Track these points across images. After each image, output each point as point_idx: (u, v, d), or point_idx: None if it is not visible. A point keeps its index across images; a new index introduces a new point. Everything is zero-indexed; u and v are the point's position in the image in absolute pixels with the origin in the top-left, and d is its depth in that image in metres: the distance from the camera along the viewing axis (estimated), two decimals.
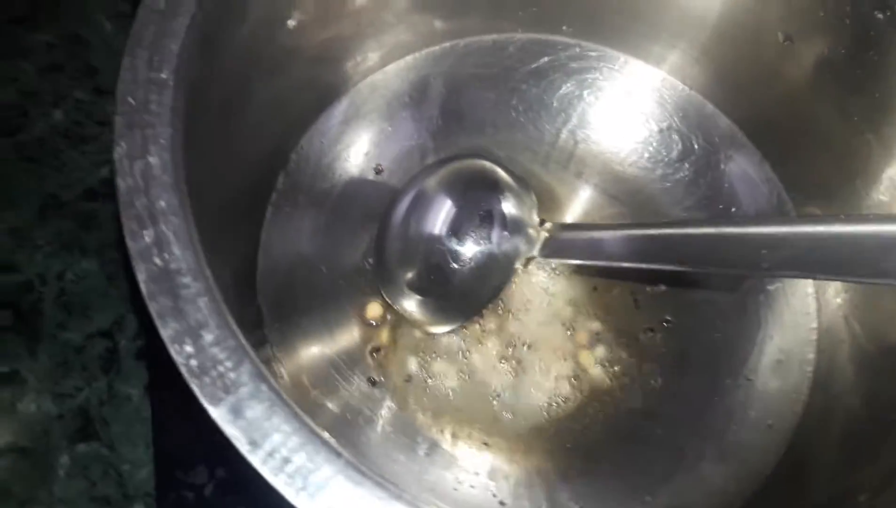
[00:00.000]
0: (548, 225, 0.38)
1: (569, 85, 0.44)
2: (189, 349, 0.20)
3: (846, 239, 0.27)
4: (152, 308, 0.20)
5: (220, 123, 0.30)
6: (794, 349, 0.40)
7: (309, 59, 0.38)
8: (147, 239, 0.21)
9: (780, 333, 0.41)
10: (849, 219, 0.28)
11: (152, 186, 0.22)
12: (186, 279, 0.21)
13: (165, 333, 0.20)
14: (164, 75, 0.23)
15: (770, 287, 0.41)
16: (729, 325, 0.41)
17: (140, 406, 0.44)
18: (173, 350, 0.20)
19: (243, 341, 0.20)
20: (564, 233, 0.37)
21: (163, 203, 0.21)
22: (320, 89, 0.40)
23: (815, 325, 0.40)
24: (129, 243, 0.21)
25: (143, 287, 0.20)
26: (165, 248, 0.21)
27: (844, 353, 0.37)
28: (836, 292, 0.39)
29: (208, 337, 0.20)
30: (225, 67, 0.29)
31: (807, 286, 0.41)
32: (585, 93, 0.44)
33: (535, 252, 0.37)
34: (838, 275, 0.30)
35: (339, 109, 0.41)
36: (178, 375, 0.20)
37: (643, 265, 0.34)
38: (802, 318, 0.41)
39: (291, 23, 0.34)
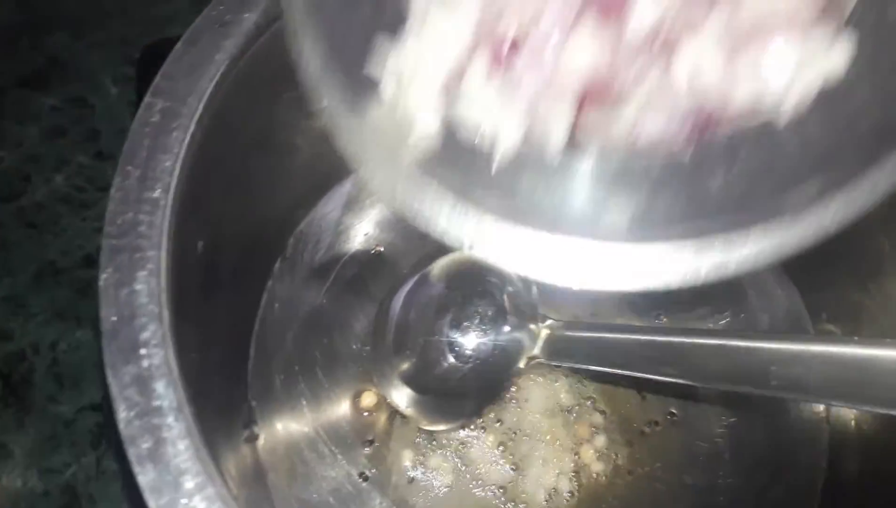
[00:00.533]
0: (549, 322, 0.37)
1: None
2: (166, 500, 0.19)
3: (862, 363, 0.26)
4: (131, 454, 0.19)
5: (219, 209, 0.30)
6: (803, 450, 0.39)
7: (316, 139, 0.37)
8: (128, 377, 0.20)
9: (788, 430, 0.40)
10: (866, 342, 0.27)
11: (137, 316, 0.21)
12: (169, 419, 0.20)
13: (144, 480, 0.19)
14: (156, 194, 0.23)
15: None
16: (734, 420, 0.40)
17: (129, 484, 0.43)
18: (151, 501, 0.19)
19: (223, 487, 0.19)
20: (567, 331, 0.36)
21: (147, 334, 0.21)
22: (324, 171, 0.40)
23: (825, 426, 0.39)
24: (111, 379, 0.20)
25: (121, 427, 0.20)
26: (148, 384, 0.20)
27: (855, 466, 0.36)
28: None
29: (188, 484, 0.19)
30: (226, 158, 0.29)
31: None
32: None
33: (537, 351, 0.36)
34: (851, 402, 0.29)
35: (341, 191, 0.40)
36: None
37: (648, 376, 0.33)
38: (811, 415, 0.40)
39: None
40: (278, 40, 0.27)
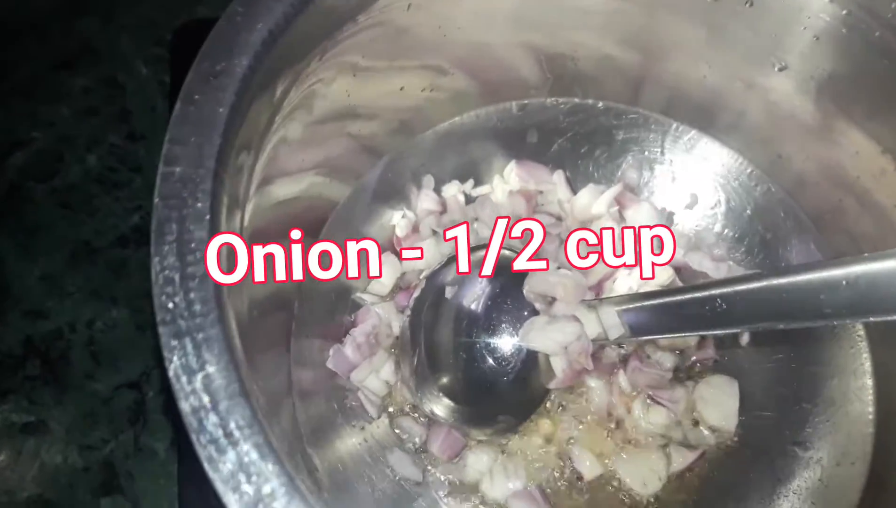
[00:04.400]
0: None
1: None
2: None
3: None
4: None
5: None
6: None
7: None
8: (230, 465, 0.20)
9: None
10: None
11: (220, 401, 0.21)
12: (282, 502, 0.20)
13: None
14: (198, 268, 0.22)
15: None
16: None
17: (166, 461, 0.45)
18: None
19: None
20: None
21: (238, 418, 0.21)
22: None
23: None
24: (211, 474, 0.20)
25: None
26: (252, 470, 0.20)
27: None
28: None
29: None
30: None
31: None
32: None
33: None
34: None
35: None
36: None
37: (700, 333, 0.33)
38: None
39: None
40: (274, 80, 0.27)
